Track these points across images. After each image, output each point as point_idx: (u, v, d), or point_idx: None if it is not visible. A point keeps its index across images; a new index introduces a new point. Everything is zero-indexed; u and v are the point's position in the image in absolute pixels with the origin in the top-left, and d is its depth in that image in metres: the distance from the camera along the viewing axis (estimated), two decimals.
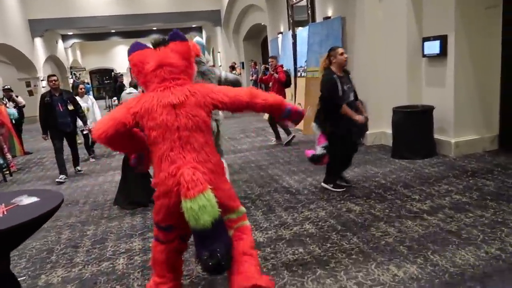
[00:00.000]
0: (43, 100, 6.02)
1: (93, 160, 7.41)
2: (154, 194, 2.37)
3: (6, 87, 8.79)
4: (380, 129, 6.65)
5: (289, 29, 10.18)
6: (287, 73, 7.47)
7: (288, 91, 8.17)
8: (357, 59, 6.76)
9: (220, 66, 20.00)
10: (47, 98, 6.02)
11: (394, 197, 4.21)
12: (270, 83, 7.45)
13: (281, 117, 2.61)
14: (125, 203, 4.69)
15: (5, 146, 7.02)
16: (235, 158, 6.80)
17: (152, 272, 2.55)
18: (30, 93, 16.51)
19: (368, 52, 6.55)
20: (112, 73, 20.23)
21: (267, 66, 8.20)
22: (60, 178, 6.02)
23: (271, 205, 4.31)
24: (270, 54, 11.54)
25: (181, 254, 2.59)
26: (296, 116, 2.62)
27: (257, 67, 14.83)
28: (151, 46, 2.44)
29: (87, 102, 7.55)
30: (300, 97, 8.72)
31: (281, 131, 7.53)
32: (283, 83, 7.29)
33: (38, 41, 17.00)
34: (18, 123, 8.56)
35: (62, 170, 6.10)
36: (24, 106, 8.87)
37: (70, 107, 6.11)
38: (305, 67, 8.54)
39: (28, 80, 16.55)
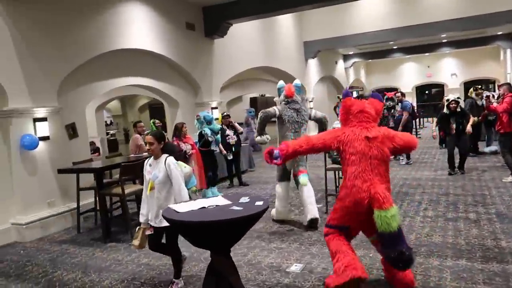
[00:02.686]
0: None
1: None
2: (339, 203, 3.24)
3: (225, 113, 8.39)
4: None
5: None
6: None
7: None
8: None
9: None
10: None
11: None
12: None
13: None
14: None
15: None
16: None
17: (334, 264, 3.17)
18: None
19: None
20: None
21: (488, 94, 8.21)
22: None
23: None
24: None
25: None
26: None
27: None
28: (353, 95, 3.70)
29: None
30: None
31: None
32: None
33: (312, 62, 17.01)
34: (236, 151, 8.05)
35: None
36: (241, 133, 8.22)
37: None
38: None
39: None
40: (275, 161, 3.36)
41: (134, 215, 5.74)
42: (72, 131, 6.71)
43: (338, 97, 18.69)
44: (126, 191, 5.06)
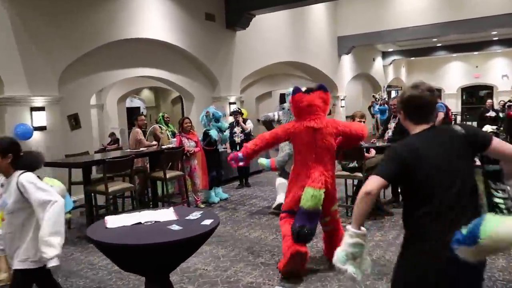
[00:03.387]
0: None
1: None
2: (288, 188, 3.72)
3: (236, 109, 7.89)
4: None
5: None
6: None
7: None
8: None
9: None
10: None
11: None
12: None
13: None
14: None
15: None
16: None
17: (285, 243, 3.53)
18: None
19: None
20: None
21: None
22: None
23: None
24: None
25: None
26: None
27: None
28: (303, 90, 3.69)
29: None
30: None
31: None
32: None
33: (346, 58, 16.15)
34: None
35: None
36: (250, 132, 7.69)
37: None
38: None
39: None
40: (240, 163, 3.75)
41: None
42: (74, 122, 6.50)
43: (373, 96, 17.74)
44: (112, 189, 4.71)
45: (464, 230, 1.59)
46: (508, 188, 1.85)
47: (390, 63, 21.22)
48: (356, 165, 5.03)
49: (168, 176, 5.41)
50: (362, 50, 17.40)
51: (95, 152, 6.72)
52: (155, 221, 2.32)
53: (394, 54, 20.71)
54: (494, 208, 1.81)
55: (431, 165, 1.73)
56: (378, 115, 16.90)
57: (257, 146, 3.66)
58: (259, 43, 10.56)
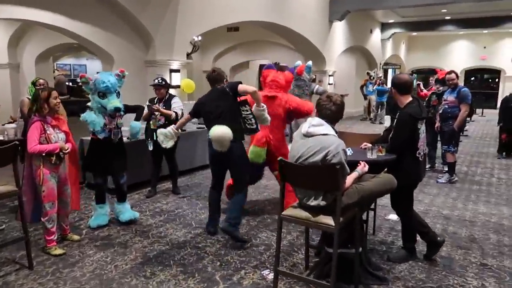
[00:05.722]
0: None
1: None
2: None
3: (159, 79, 5.26)
4: None
5: None
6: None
7: None
8: None
9: None
10: None
11: None
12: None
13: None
14: None
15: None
16: None
17: None
18: None
19: None
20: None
21: None
22: None
23: None
24: None
25: None
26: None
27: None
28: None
29: None
30: None
31: None
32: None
33: (338, 26, 13.45)
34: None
35: None
36: (177, 117, 5.09)
37: None
38: None
39: (314, 73, 13.38)
40: None
41: None
42: None
43: (368, 73, 15.11)
44: None
45: None
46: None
47: (390, 37, 18.55)
48: (322, 202, 2.53)
49: None
50: (359, 18, 14.71)
51: None
52: None
53: (395, 27, 18.05)
54: (245, 120, 3.77)
55: (209, 104, 3.69)
56: (373, 96, 14.37)
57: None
58: None
